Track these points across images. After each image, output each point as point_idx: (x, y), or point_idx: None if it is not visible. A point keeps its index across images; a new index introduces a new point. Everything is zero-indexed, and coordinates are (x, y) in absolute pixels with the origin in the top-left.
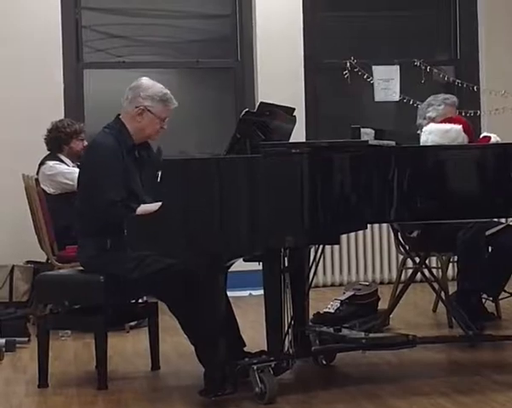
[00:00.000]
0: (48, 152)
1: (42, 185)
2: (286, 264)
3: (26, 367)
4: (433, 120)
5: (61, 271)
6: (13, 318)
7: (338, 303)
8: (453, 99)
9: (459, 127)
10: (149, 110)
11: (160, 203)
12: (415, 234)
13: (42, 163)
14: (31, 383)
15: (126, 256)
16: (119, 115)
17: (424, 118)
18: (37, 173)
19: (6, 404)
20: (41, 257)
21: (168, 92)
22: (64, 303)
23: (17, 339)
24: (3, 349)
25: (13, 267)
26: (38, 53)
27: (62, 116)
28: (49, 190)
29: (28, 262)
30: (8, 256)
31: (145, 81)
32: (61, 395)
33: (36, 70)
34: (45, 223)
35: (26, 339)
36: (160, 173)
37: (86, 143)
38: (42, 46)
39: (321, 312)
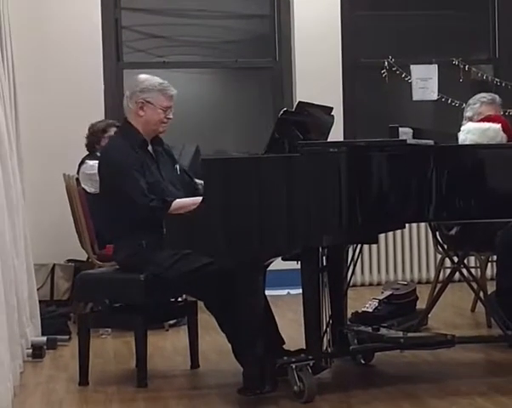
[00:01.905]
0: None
1: (82, 185)
2: (324, 263)
3: (67, 365)
4: (471, 119)
5: (101, 269)
6: (54, 316)
7: (376, 303)
8: (490, 97)
9: (498, 125)
10: (148, 102)
11: (198, 198)
12: (453, 231)
13: (82, 162)
14: (72, 381)
15: (163, 254)
16: (126, 118)
17: (465, 119)
18: (78, 173)
19: (47, 401)
20: (81, 255)
21: (165, 82)
22: (104, 302)
23: (58, 337)
24: (45, 347)
25: (54, 265)
26: (78, 54)
27: (102, 117)
28: (90, 189)
29: (69, 260)
30: (50, 255)
31: (141, 76)
32: (101, 393)
33: (76, 70)
34: (85, 222)
35: (67, 337)
36: (177, 166)
37: None
38: (82, 46)
39: (360, 311)
